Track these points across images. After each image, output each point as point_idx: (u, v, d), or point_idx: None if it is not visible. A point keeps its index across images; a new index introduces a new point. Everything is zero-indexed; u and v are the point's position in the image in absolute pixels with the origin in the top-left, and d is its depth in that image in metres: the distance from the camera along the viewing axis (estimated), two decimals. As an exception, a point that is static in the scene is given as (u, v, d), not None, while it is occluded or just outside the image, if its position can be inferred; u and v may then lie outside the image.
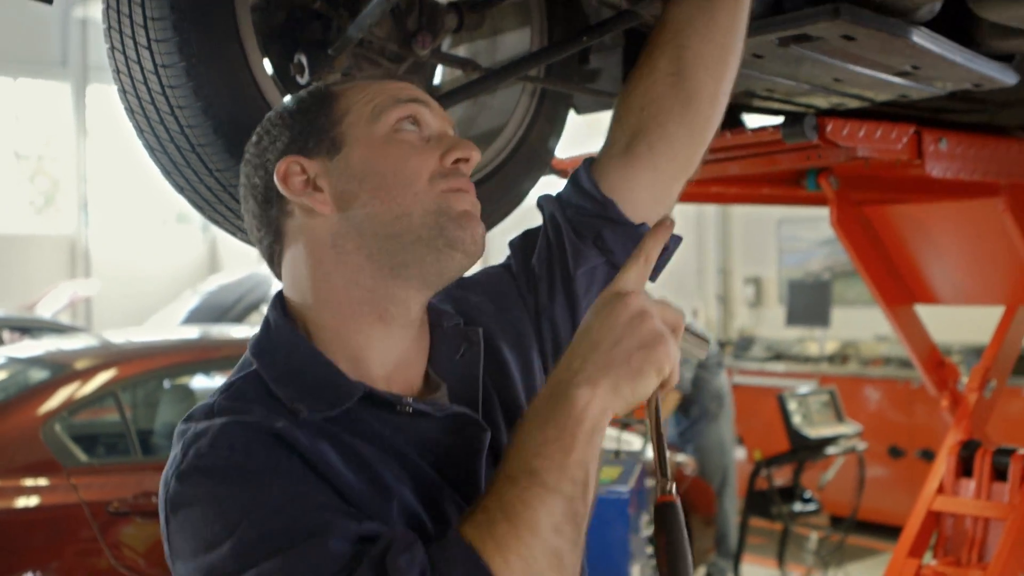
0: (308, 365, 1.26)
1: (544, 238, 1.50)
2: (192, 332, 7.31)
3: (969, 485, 3.36)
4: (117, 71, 1.98)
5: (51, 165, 16.73)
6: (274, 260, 1.37)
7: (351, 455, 1.19)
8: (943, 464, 3.43)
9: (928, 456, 7.25)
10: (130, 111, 2.02)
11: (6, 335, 9.11)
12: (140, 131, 2.02)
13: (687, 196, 3.13)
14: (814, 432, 5.97)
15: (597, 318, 1.15)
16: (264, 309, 8.39)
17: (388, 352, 1.30)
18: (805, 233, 9.53)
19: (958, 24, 2.09)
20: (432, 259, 1.28)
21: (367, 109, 1.31)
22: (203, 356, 5.70)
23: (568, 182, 1.52)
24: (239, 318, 10.89)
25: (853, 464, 6.29)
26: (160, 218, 17.67)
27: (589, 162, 1.52)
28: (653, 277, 1.47)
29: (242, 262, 14.82)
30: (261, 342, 1.31)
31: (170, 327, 10.02)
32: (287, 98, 1.40)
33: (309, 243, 1.31)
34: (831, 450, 6.04)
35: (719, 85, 1.52)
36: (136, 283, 15.75)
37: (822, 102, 2.48)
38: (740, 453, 7.73)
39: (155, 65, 1.89)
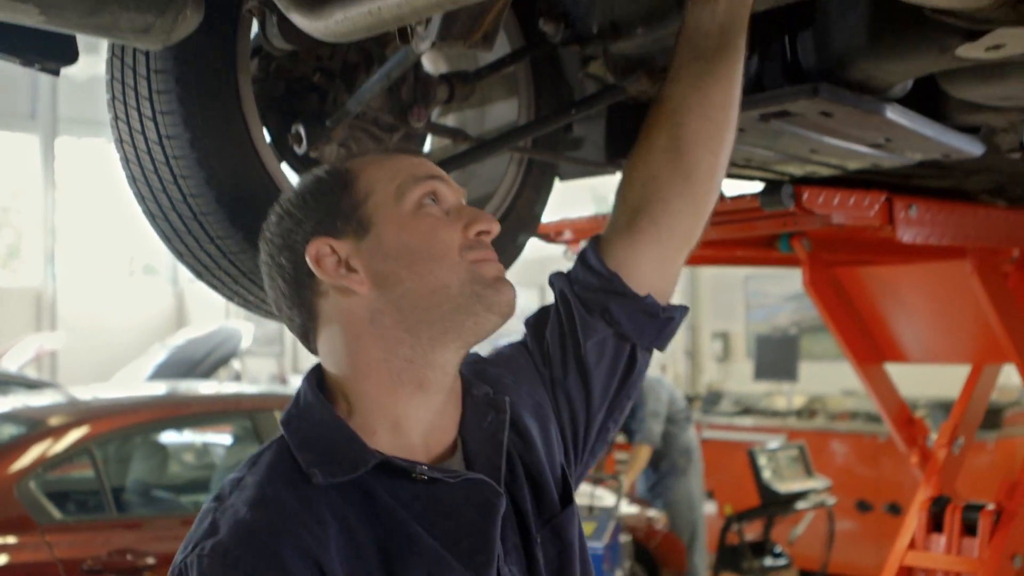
0: (330, 432, 1.32)
1: (556, 313, 1.57)
2: (159, 388, 7.30)
3: (940, 540, 3.44)
4: (120, 140, 2.04)
5: (16, 217, 16.67)
6: (308, 338, 1.43)
7: (354, 548, 1.26)
8: (914, 519, 3.51)
9: (895, 510, 7.33)
10: (132, 179, 2.07)
11: (-28, 389, 9.03)
12: (141, 198, 2.08)
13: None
14: (784, 487, 6.03)
15: None
16: (234, 364, 8.36)
17: (426, 418, 1.37)
18: (772, 288, 9.66)
19: (928, 99, 2.19)
20: (471, 323, 1.35)
21: (391, 188, 1.37)
22: (178, 412, 5.71)
23: (576, 259, 1.59)
24: (208, 373, 10.84)
25: (823, 518, 6.36)
26: (127, 270, 17.63)
27: (596, 240, 1.59)
28: (661, 347, 1.55)
29: (210, 315, 14.79)
30: (290, 412, 1.37)
31: (137, 382, 9.97)
32: (303, 178, 1.46)
33: (347, 321, 1.36)
34: (801, 505, 6.11)
35: (716, 159, 1.59)
36: (103, 335, 15.65)
37: (797, 170, 2.58)
38: (711, 508, 7.78)
39: (159, 136, 1.95)
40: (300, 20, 1.53)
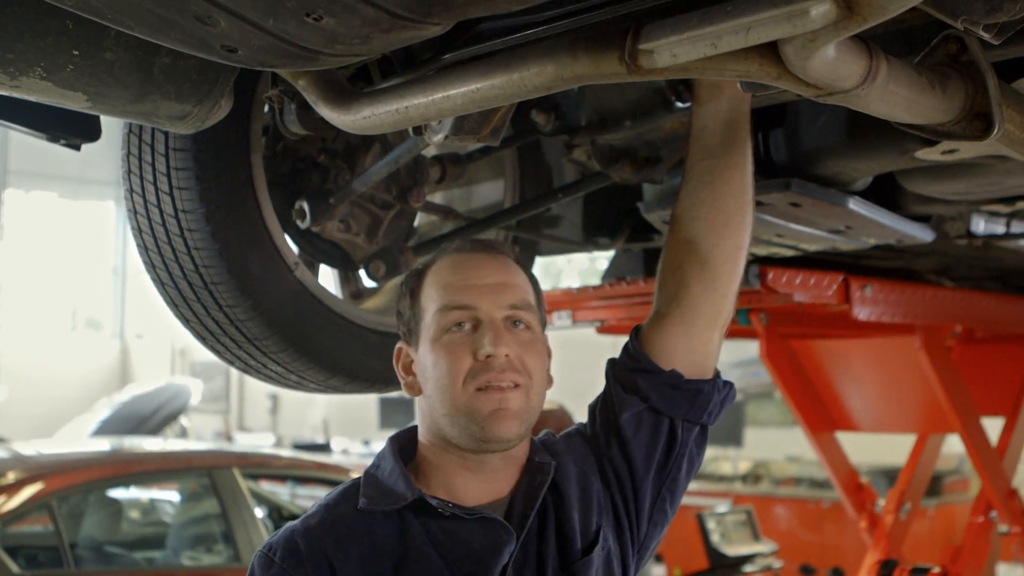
0: (389, 476, 1.62)
1: (604, 394, 1.76)
2: (105, 444, 7.26)
3: (888, 603, 3.58)
4: (134, 211, 2.16)
5: (-43, 269, 16.48)
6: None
7: (371, 552, 1.55)
8: (863, 583, 3.66)
9: (838, 574, 7.47)
10: (143, 248, 2.18)
11: (-88, 442, 8.91)
12: (152, 267, 2.19)
13: (609, 329, 3.36)
14: (732, 550, 6.12)
15: None
16: (182, 420, 8.30)
17: (478, 488, 1.62)
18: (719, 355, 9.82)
19: (886, 192, 2.37)
20: (475, 445, 1.58)
21: (432, 311, 1.61)
22: (132, 469, 5.70)
23: (623, 347, 1.77)
24: (156, 429, 10.72)
25: (769, 582, 6.46)
26: (70, 324, 17.48)
27: (637, 328, 1.77)
28: (702, 420, 1.70)
29: (156, 371, 14.71)
30: (374, 460, 1.67)
31: (81, 438, 9.85)
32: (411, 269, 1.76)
33: (422, 410, 1.66)
34: (748, 568, 6.20)
35: (732, 244, 1.74)
36: (45, 388, 15.44)
37: (761, 251, 2.75)
38: (660, 571, 7.85)
39: (175, 210, 2.08)
40: (328, 113, 1.67)
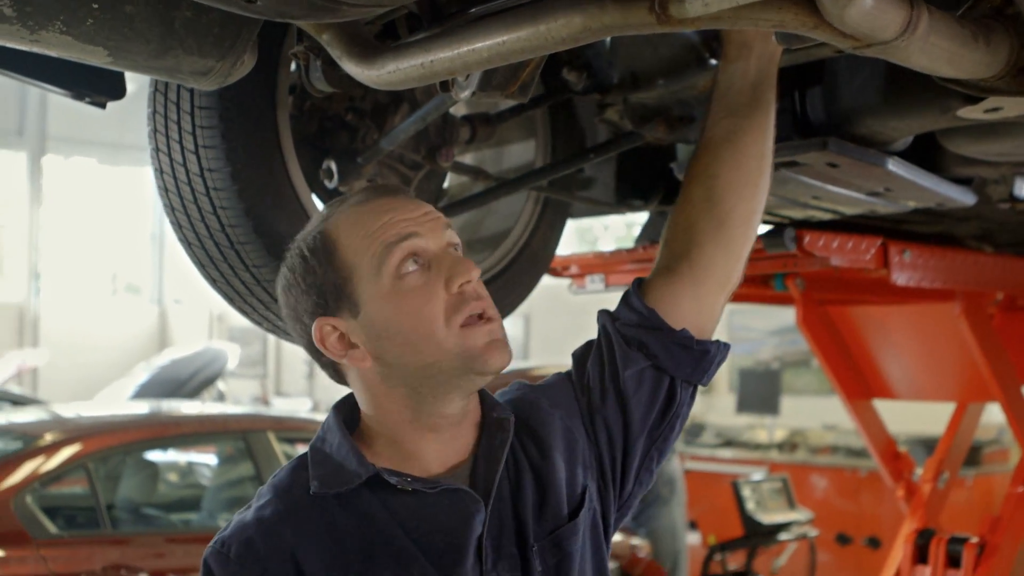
0: (339, 452, 1.50)
1: (597, 347, 1.68)
2: (144, 407, 7.32)
3: (925, 572, 3.53)
4: (160, 171, 2.14)
5: (0, 233, 16.65)
6: (340, 381, 1.58)
7: (334, 542, 1.45)
8: (899, 551, 3.61)
9: (874, 544, 7.42)
10: (170, 208, 2.16)
11: (-45, 404, 9.03)
12: (179, 227, 2.17)
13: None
14: (767, 518, 6.12)
15: None
16: (219, 385, 8.35)
17: (436, 448, 1.52)
18: (756, 323, 9.78)
19: (927, 152, 2.31)
20: (466, 382, 1.49)
21: (368, 263, 1.46)
22: (168, 432, 5.74)
23: (621, 298, 1.71)
24: (193, 393, 10.83)
25: (804, 550, 6.45)
26: (110, 288, 17.63)
27: (638, 281, 1.71)
28: (701, 381, 1.66)
29: (193, 336, 14.83)
30: (318, 435, 1.55)
31: (120, 401, 9.95)
32: (290, 252, 1.54)
33: (364, 382, 1.52)
34: (783, 536, 6.19)
35: (749, 207, 1.70)
36: (85, 353, 15.62)
37: (797, 214, 2.69)
38: (694, 538, 7.85)
39: (201, 169, 2.05)
40: (353, 68, 1.63)
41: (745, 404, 9.17)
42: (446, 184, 2.64)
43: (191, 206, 2.11)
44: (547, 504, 1.55)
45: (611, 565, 5.27)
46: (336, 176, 2.22)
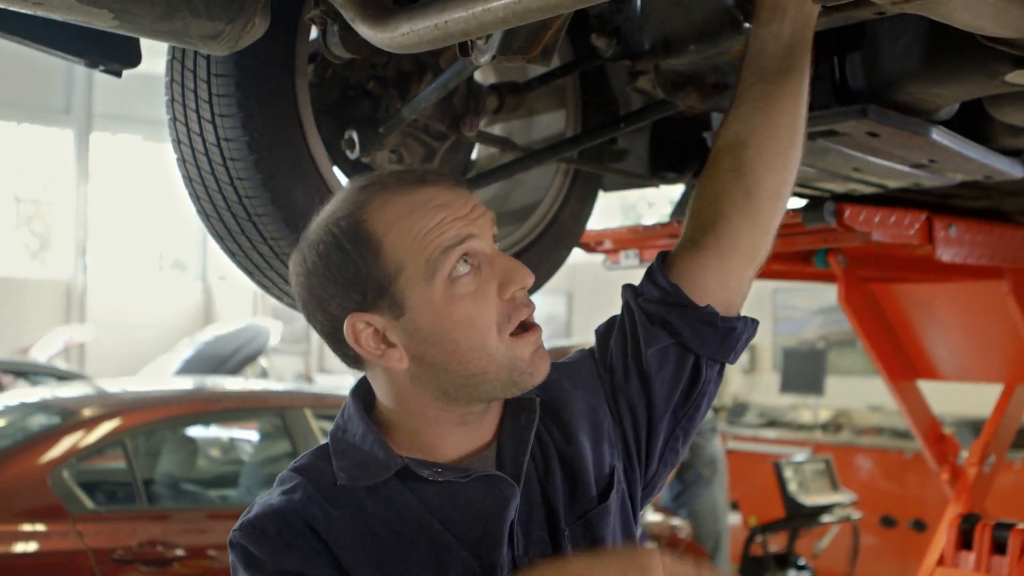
0: (364, 444, 1.43)
1: (620, 324, 1.62)
2: (188, 383, 7.35)
3: (969, 558, 3.43)
4: (178, 141, 2.09)
5: (48, 210, 16.82)
6: (357, 366, 1.50)
7: (367, 531, 1.38)
8: (943, 536, 3.51)
9: (919, 527, 7.31)
10: (187, 179, 2.12)
11: (2, 379, 9.14)
12: (196, 198, 2.12)
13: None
14: (809, 500, 6.03)
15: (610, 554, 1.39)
16: (262, 361, 8.36)
17: (464, 438, 1.46)
18: (800, 302, 9.65)
19: (973, 122, 2.21)
20: (507, 391, 1.43)
21: (421, 264, 1.37)
22: (206, 408, 5.75)
23: (644, 273, 1.63)
24: (235, 370, 10.88)
25: (848, 533, 6.35)
26: (156, 265, 17.75)
27: (663, 255, 1.63)
28: (728, 359, 1.59)
29: (238, 312, 14.90)
30: (337, 423, 1.49)
31: (165, 377, 10.02)
32: (320, 241, 1.41)
33: (389, 377, 1.44)
34: (826, 518, 6.10)
35: (779, 178, 1.61)
36: (130, 330, 15.75)
37: (838, 187, 2.60)
38: (735, 518, 7.76)
39: (218, 139, 2.00)
40: (366, 31, 1.57)
41: (789, 384, 9.06)
42: (475, 156, 2.57)
43: (208, 177, 2.06)
44: (576, 487, 1.49)
45: (652, 546, 5.23)
46: (358, 146, 2.16)
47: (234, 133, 1.97)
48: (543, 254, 2.41)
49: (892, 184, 2.54)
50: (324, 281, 1.40)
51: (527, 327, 1.42)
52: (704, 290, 1.58)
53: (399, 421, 1.45)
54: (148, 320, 16.23)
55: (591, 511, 1.49)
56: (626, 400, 1.58)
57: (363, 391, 1.50)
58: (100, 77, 14.81)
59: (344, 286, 1.39)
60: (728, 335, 1.59)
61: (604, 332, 1.64)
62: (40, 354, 12.56)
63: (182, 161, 2.10)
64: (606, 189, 2.73)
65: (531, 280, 1.41)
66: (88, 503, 4.65)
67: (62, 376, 9.39)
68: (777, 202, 1.62)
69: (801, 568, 6.19)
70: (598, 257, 3.18)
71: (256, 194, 2.00)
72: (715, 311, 1.57)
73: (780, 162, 1.60)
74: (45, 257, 16.77)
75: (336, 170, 2.14)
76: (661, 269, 1.60)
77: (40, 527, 4.44)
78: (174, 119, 2.08)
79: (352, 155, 2.18)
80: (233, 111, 1.97)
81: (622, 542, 1.53)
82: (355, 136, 2.15)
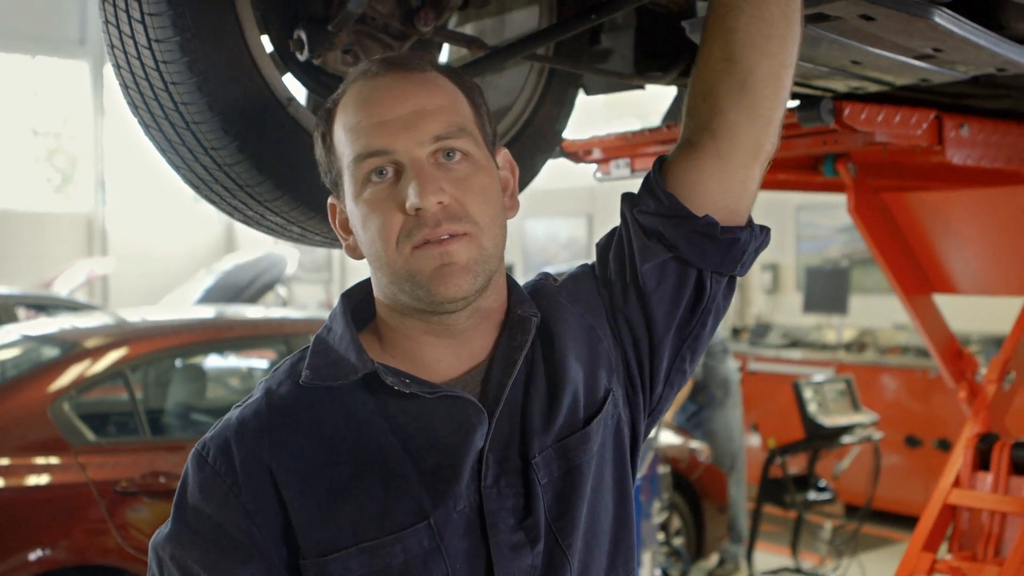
0: (341, 344, 1.38)
1: (618, 238, 1.50)
2: (207, 312, 7.28)
3: (986, 479, 3.28)
4: (111, 45, 1.93)
5: (69, 143, 16.75)
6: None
7: (318, 445, 1.34)
8: (960, 457, 3.36)
9: (945, 446, 7.17)
10: (124, 87, 1.96)
11: (22, 313, 9.11)
12: (135, 107, 1.97)
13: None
14: (829, 421, 5.88)
15: None
16: (280, 290, 8.34)
17: (449, 355, 1.39)
18: (823, 220, 9.43)
19: (982, 6, 2.01)
20: (423, 306, 1.35)
21: (348, 157, 1.36)
22: (215, 336, 5.67)
23: (642, 182, 1.50)
24: (254, 298, 10.89)
25: (869, 453, 6.21)
26: (177, 197, 17.68)
27: (660, 161, 1.50)
28: (734, 271, 1.47)
29: (258, 242, 14.82)
30: (325, 325, 1.45)
31: (185, 306, 10.01)
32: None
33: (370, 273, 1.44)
34: (846, 439, 5.96)
35: (775, 62, 1.44)
36: (152, 262, 15.76)
37: (840, 86, 2.41)
38: (755, 440, 7.66)
39: (149, 40, 1.84)
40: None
41: (812, 303, 8.89)
42: (447, 58, 2.39)
43: (143, 82, 1.89)
44: (557, 409, 1.38)
45: (665, 470, 5.10)
46: (306, 46, 1.99)
47: (165, 33, 1.81)
48: (517, 159, 2.24)
49: (898, 80, 2.35)
50: (317, 159, 1.44)
51: (439, 243, 1.31)
52: (703, 196, 1.45)
53: (389, 320, 1.41)
54: (169, 252, 16.23)
55: (570, 436, 1.38)
56: (625, 319, 1.47)
57: (359, 295, 1.46)
58: (113, 6, 14.58)
59: (322, 166, 1.43)
60: (731, 246, 1.45)
61: (604, 246, 1.53)
62: (62, 287, 12.58)
63: (117, 67, 1.94)
64: (588, 92, 2.55)
65: (431, 200, 1.30)
66: (90, 435, 4.58)
67: (80, 309, 9.34)
68: (777, 89, 1.46)
69: (821, 490, 6.08)
70: (620, 179, 3.00)
71: (192, 100, 1.84)
72: (714, 221, 1.44)
73: (775, 45, 1.44)
74: (67, 191, 16.73)
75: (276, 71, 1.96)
76: (657, 177, 1.47)
77: (41, 460, 4.38)
78: (106, 21, 1.92)
79: (301, 56, 2.01)
80: (163, 8, 1.80)
81: (612, 471, 1.43)
82: (303, 35, 1.99)
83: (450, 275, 1.32)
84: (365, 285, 1.46)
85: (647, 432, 1.51)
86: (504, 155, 1.47)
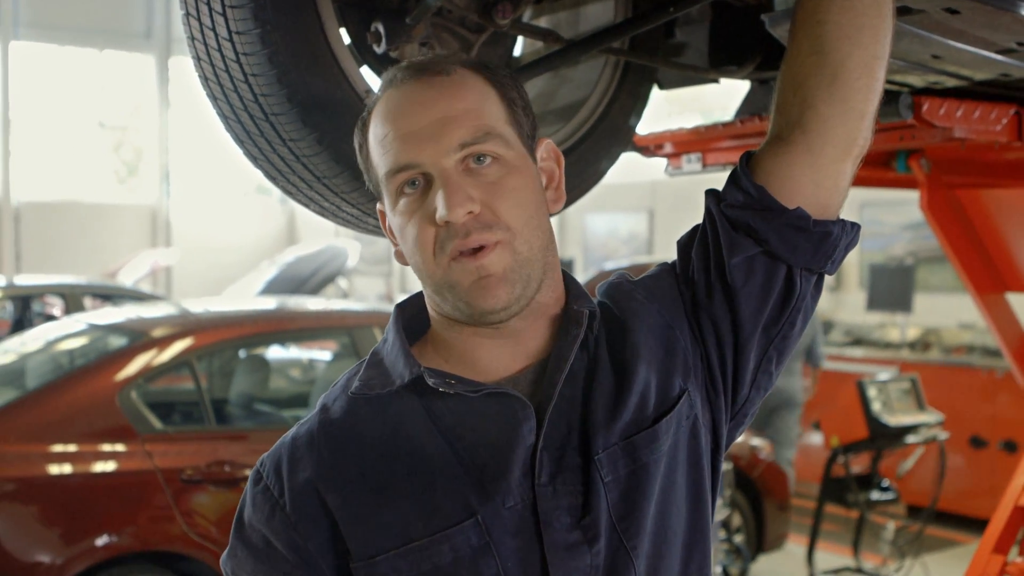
0: (391, 352, 1.40)
1: (703, 233, 1.46)
2: (269, 303, 7.34)
3: (1059, 481, 3.24)
4: (192, 37, 1.95)
5: (135, 136, 16.99)
6: None
7: (365, 450, 1.35)
8: (1032, 459, 3.31)
9: (1011, 447, 7.06)
10: (204, 79, 1.99)
11: (88, 302, 9.25)
12: (214, 99, 1.99)
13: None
14: (894, 420, 5.82)
15: None
16: (341, 282, 8.40)
17: (501, 355, 1.38)
18: (888, 217, 9.31)
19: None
20: (467, 318, 1.35)
21: (381, 169, 1.37)
22: (278, 327, 5.72)
23: (728, 176, 1.47)
24: (315, 290, 10.97)
25: (934, 454, 6.14)
26: (240, 189, 17.87)
27: (747, 155, 1.46)
28: (825, 268, 1.43)
29: (320, 234, 14.93)
30: (384, 335, 1.45)
31: (247, 297, 10.10)
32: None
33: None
34: (911, 439, 5.89)
35: (867, 53, 1.40)
36: (215, 253, 15.95)
37: (917, 80, 2.37)
38: (817, 439, 7.59)
39: (229, 32, 1.85)
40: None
41: (876, 301, 8.78)
42: (520, 52, 2.39)
43: (223, 74, 1.92)
44: (623, 406, 1.35)
45: (727, 467, 5.07)
46: (384, 39, 2.00)
47: (246, 26, 1.83)
48: (590, 153, 2.24)
49: (978, 75, 2.31)
50: (361, 168, 1.44)
51: (473, 254, 1.31)
52: (794, 191, 1.41)
53: (440, 329, 1.41)
54: (232, 243, 16.41)
55: (638, 433, 1.35)
56: (709, 317, 1.43)
57: (413, 308, 1.47)
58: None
59: (365, 175, 1.43)
60: (823, 241, 1.41)
61: (686, 242, 1.49)
62: (127, 278, 12.77)
63: (197, 59, 1.97)
64: (663, 86, 2.54)
65: (459, 212, 1.29)
66: (156, 423, 4.64)
67: (144, 299, 9.47)
68: (870, 80, 1.41)
69: (884, 489, 6.01)
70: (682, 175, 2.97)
71: (271, 91, 1.86)
72: (806, 214, 1.40)
73: (867, 36, 1.40)
74: (132, 182, 16.97)
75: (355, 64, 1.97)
76: (745, 170, 1.44)
77: (108, 447, 4.45)
78: (187, 14, 1.94)
79: (379, 49, 2.02)
80: (244, 1, 1.82)
81: (686, 477, 1.40)
82: (381, 28, 2.00)
83: (487, 287, 1.32)
84: (419, 298, 1.46)
85: (732, 437, 1.48)
86: (546, 146, 1.43)
